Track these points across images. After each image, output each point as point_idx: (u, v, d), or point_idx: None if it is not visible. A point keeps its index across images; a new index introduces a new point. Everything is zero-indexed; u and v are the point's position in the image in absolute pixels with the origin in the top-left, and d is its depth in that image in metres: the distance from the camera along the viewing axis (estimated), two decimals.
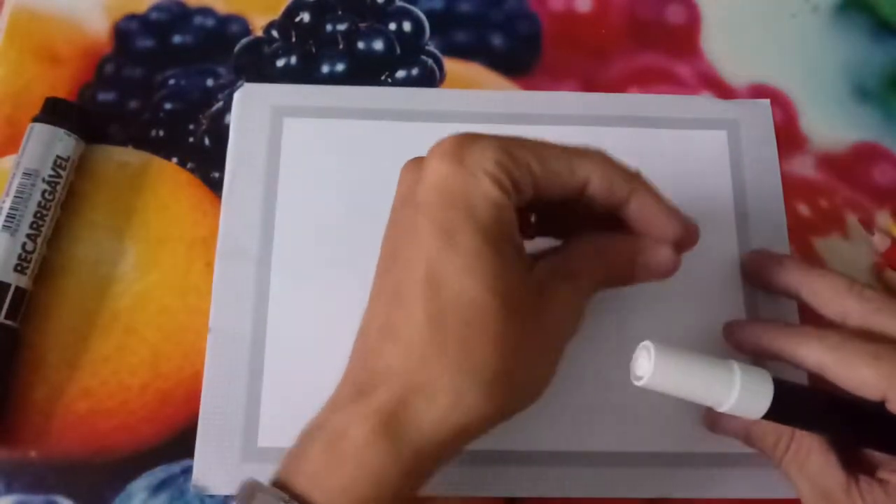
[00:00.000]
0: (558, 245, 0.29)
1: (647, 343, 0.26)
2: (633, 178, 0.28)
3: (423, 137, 0.37)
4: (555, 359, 0.27)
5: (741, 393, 0.26)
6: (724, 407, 0.26)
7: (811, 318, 0.34)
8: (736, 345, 0.33)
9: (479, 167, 0.25)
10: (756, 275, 0.35)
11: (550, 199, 0.27)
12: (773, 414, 0.26)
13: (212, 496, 0.32)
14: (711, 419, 0.33)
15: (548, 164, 0.26)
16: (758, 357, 0.32)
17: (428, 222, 0.25)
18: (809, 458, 0.30)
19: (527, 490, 0.32)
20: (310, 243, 0.36)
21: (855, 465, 0.30)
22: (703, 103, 0.39)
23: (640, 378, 0.26)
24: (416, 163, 0.27)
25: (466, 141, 0.26)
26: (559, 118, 0.38)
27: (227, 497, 0.32)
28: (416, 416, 0.24)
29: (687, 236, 0.29)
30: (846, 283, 0.31)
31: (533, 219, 0.30)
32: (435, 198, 0.25)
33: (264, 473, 0.32)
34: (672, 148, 0.38)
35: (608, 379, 0.34)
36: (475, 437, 0.25)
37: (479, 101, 0.38)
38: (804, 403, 0.28)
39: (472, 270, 0.24)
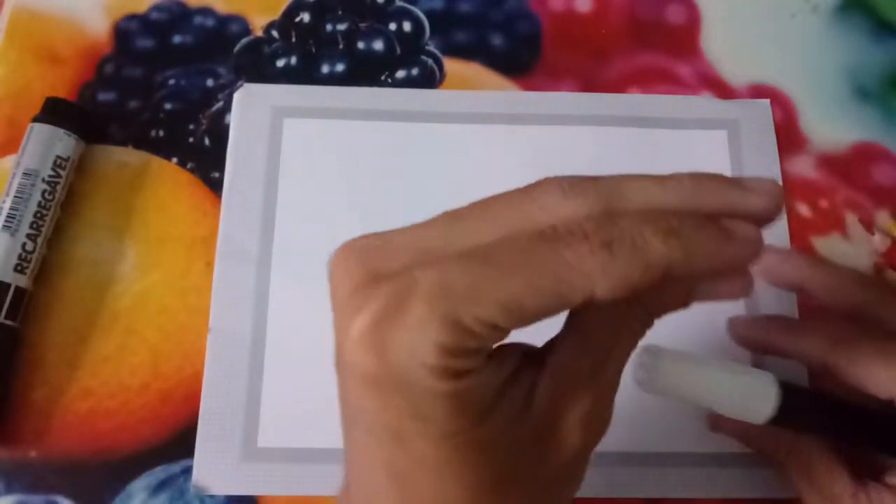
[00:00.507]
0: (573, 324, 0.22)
1: (649, 346, 0.24)
2: (652, 261, 0.18)
3: (423, 138, 0.38)
4: (580, 475, 0.22)
5: (745, 397, 0.25)
6: (727, 411, 0.25)
7: (811, 315, 0.34)
8: (740, 341, 0.32)
9: (415, 363, 0.18)
10: (761, 270, 0.33)
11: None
12: (778, 418, 0.25)
13: (212, 496, 0.32)
14: (713, 420, 0.33)
15: (524, 306, 0.18)
16: (762, 353, 0.32)
17: (373, 425, 0.19)
18: (814, 462, 0.28)
19: None
20: (310, 244, 0.35)
21: (861, 469, 0.29)
22: (704, 103, 0.39)
23: (642, 381, 0.25)
24: (347, 283, 0.19)
25: (399, 314, 0.18)
26: (559, 118, 0.38)
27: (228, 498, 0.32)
28: None
29: (766, 220, 0.20)
30: (856, 274, 0.30)
31: None
32: (369, 404, 0.19)
33: (263, 473, 0.32)
34: (672, 148, 0.38)
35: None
36: None
37: (478, 102, 0.38)
38: (810, 407, 0.27)
39: (443, 477, 0.19)
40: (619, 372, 0.21)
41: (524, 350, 0.21)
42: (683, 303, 0.21)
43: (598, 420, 0.21)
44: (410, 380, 0.18)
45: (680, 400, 0.25)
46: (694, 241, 0.19)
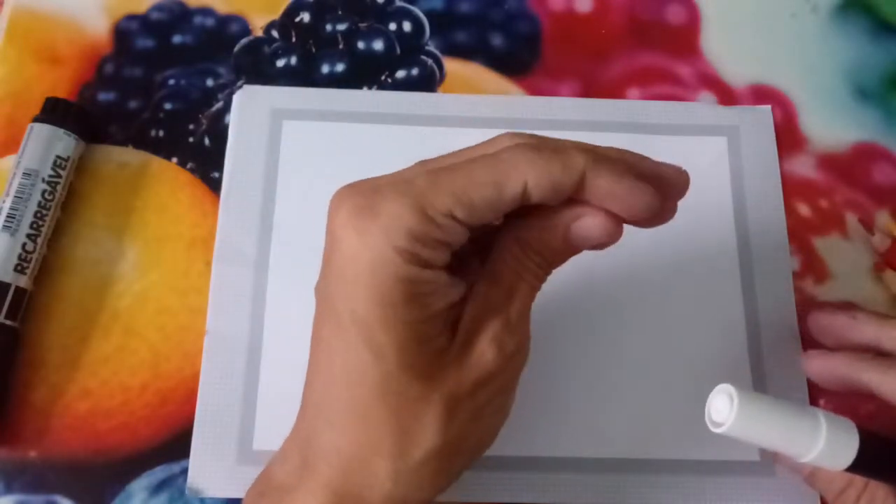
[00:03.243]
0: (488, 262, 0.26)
1: (726, 387, 0.24)
2: (573, 161, 0.23)
3: (423, 141, 0.38)
4: (501, 403, 0.26)
5: (827, 444, 0.24)
6: (807, 458, 0.25)
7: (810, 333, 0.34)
8: (820, 378, 0.32)
9: (389, 245, 0.22)
10: (825, 332, 0.33)
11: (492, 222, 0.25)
12: (856, 466, 0.25)
13: (210, 498, 0.32)
14: (775, 454, 0.32)
15: (472, 198, 0.23)
16: (843, 391, 0.31)
17: (341, 311, 0.23)
18: None
19: (532, 496, 0.32)
20: (308, 247, 0.35)
21: None
22: (704, 110, 0.39)
23: (719, 425, 0.24)
24: (339, 203, 0.24)
25: (370, 207, 0.23)
26: (558, 123, 0.38)
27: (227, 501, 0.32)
28: (361, 493, 0.24)
29: (670, 196, 0.25)
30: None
31: None
32: (344, 287, 0.23)
33: None
34: (672, 154, 0.37)
35: (609, 382, 0.34)
36: (429, 501, 0.25)
37: (478, 106, 0.38)
38: (889, 455, 0.26)
39: (389, 363, 0.23)
40: (524, 309, 0.25)
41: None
42: (560, 243, 0.25)
43: (509, 344, 0.25)
44: (382, 264, 0.22)
45: (755, 443, 0.25)
46: (605, 160, 0.23)
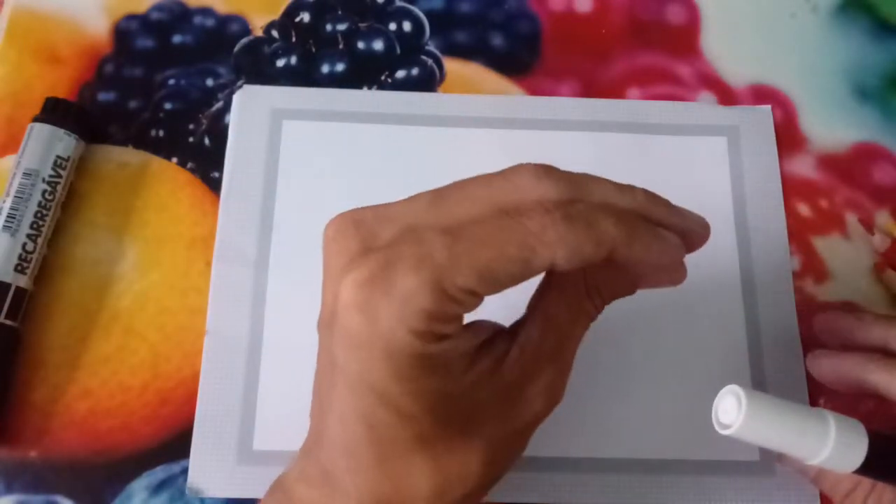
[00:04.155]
0: (537, 296, 0.25)
1: (734, 388, 0.24)
2: (604, 237, 0.22)
3: (423, 141, 0.38)
4: (529, 437, 0.25)
5: (836, 447, 0.24)
6: (815, 460, 0.24)
7: (810, 320, 0.34)
8: (822, 375, 0.31)
9: (403, 326, 0.21)
10: (832, 334, 0.33)
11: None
12: (865, 468, 0.24)
13: (210, 498, 0.32)
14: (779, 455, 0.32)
15: (496, 273, 0.21)
16: (841, 389, 0.31)
17: (356, 376, 0.22)
18: None
19: (532, 496, 0.32)
20: (308, 247, 0.35)
21: None
22: (704, 109, 0.39)
23: (726, 426, 0.24)
24: (339, 254, 0.22)
25: (387, 279, 0.21)
26: (559, 123, 0.38)
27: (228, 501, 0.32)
28: None
29: (692, 246, 0.25)
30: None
31: None
32: (354, 364, 0.22)
33: (259, 476, 0.32)
34: (672, 154, 0.38)
35: (608, 382, 0.34)
36: None
37: (478, 106, 0.38)
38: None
39: (420, 424, 0.22)
40: (575, 351, 0.25)
41: (495, 327, 0.25)
42: (630, 290, 0.25)
43: (558, 392, 0.25)
44: (397, 344, 0.21)
45: (762, 445, 0.24)
46: (635, 231, 0.23)
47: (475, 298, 0.21)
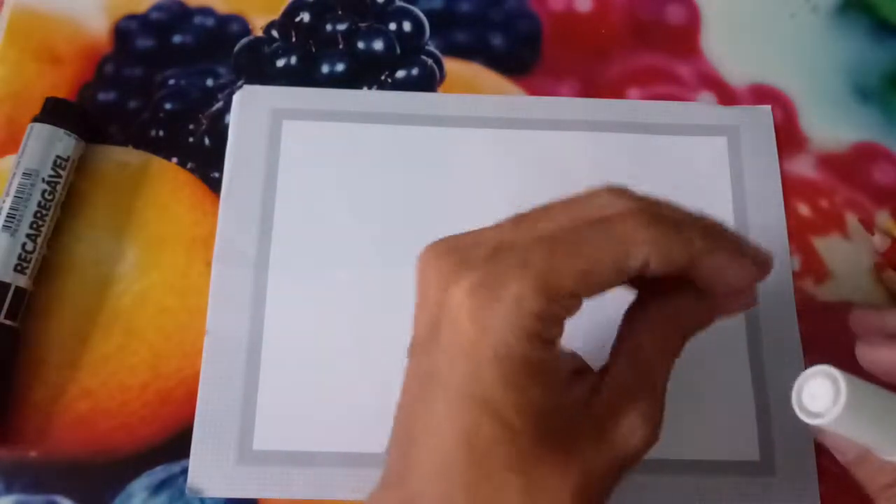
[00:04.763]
0: (623, 328, 0.26)
1: (826, 369, 0.20)
2: (691, 240, 0.23)
3: (423, 141, 0.38)
4: (619, 479, 0.25)
5: None
6: None
7: (811, 324, 0.34)
8: (875, 364, 0.28)
9: (512, 329, 0.21)
10: (870, 331, 0.30)
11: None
12: None
13: (211, 498, 0.32)
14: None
15: (597, 275, 0.22)
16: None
17: (461, 387, 0.22)
18: None
19: None
20: (308, 247, 0.35)
21: None
22: (704, 109, 0.39)
23: (816, 415, 0.20)
24: (439, 273, 0.23)
25: (494, 285, 0.22)
26: (559, 123, 0.38)
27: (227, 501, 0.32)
28: None
29: (761, 273, 0.25)
30: None
31: None
32: (464, 362, 0.22)
33: (259, 476, 0.32)
34: (672, 154, 0.38)
35: None
36: None
37: (479, 106, 0.38)
38: None
39: (524, 434, 0.22)
40: (665, 387, 0.25)
41: (584, 361, 0.26)
42: (709, 318, 0.26)
43: (653, 424, 0.24)
44: (508, 350, 0.21)
45: (846, 435, 0.22)
46: (719, 241, 0.24)
47: (576, 301, 0.22)
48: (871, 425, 0.21)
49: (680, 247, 0.23)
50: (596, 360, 0.34)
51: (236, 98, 0.38)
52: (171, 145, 0.38)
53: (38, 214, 0.34)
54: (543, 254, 0.22)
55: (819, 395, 0.21)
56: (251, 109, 0.38)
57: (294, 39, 0.40)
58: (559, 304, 0.22)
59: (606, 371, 0.25)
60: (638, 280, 0.24)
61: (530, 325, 0.21)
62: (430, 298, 0.23)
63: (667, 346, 0.25)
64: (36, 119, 0.36)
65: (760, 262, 0.25)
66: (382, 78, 0.39)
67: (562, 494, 0.22)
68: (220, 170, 0.37)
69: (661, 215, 0.23)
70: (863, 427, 0.21)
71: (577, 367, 0.25)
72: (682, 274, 0.24)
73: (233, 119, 0.38)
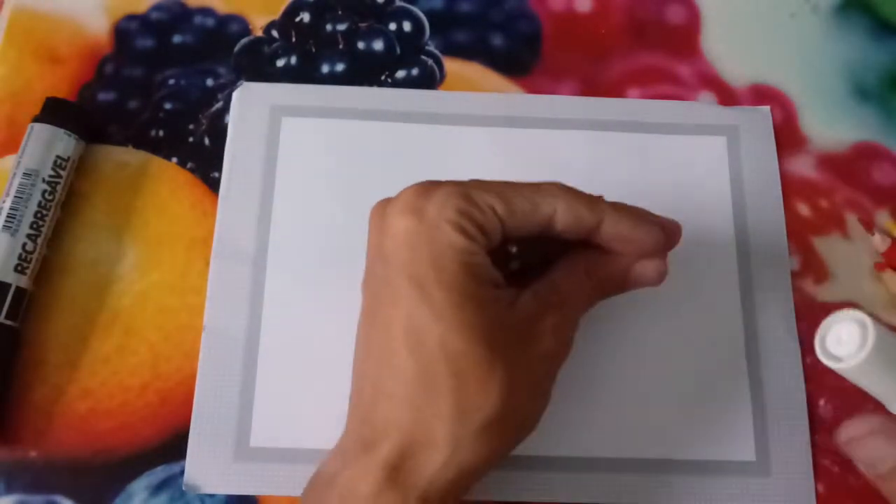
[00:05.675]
0: (548, 269, 0.29)
1: (854, 314, 0.20)
2: (598, 204, 0.28)
3: (422, 139, 0.38)
4: (547, 388, 0.28)
5: None
6: None
7: (810, 320, 0.34)
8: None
9: (442, 218, 0.26)
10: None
11: (523, 235, 0.28)
12: None
13: (211, 496, 0.32)
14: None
15: (512, 204, 0.26)
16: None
17: (400, 280, 0.25)
18: None
19: (529, 495, 0.32)
20: (306, 244, 0.36)
21: None
22: (703, 109, 0.39)
23: (839, 359, 0.20)
24: (382, 210, 0.27)
25: (426, 192, 0.26)
26: (559, 122, 0.38)
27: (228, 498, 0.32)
28: (418, 466, 0.25)
29: (668, 239, 0.29)
30: None
31: (514, 249, 0.30)
32: (402, 254, 0.26)
33: (256, 473, 0.32)
34: (672, 153, 0.38)
35: (606, 381, 0.34)
36: (480, 477, 0.26)
37: (478, 104, 0.38)
38: None
39: (449, 322, 0.25)
40: (576, 316, 0.29)
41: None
42: (621, 279, 0.29)
43: (563, 338, 0.28)
44: (436, 233, 0.25)
45: (864, 385, 0.21)
46: (624, 209, 0.28)
47: (495, 218, 0.26)
48: (893, 373, 0.20)
49: (586, 208, 0.27)
50: (598, 362, 0.34)
51: (235, 95, 0.38)
52: (170, 145, 0.38)
53: (39, 214, 0.34)
54: (474, 181, 0.27)
55: (845, 340, 0.20)
56: (250, 106, 0.38)
57: (294, 39, 0.40)
58: (479, 209, 0.26)
59: (529, 287, 0.28)
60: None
61: (454, 215, 0.25)
62: (374, 230, 0.27)
63: (579, 282, 0.29)
64: (36, 119, 0.36)
65: (668, 230, 0.29)
66: (382, 78, 0.39)
67: (488, 386, 0.25)
68: (220, 170, 0.37)
69: (576, 190, 0.28)
70: (885, 374, 0.20)
71: (503, 280, 0.27)
72: (596, 242, 0.28)
73: (232, 116, 0.38)
